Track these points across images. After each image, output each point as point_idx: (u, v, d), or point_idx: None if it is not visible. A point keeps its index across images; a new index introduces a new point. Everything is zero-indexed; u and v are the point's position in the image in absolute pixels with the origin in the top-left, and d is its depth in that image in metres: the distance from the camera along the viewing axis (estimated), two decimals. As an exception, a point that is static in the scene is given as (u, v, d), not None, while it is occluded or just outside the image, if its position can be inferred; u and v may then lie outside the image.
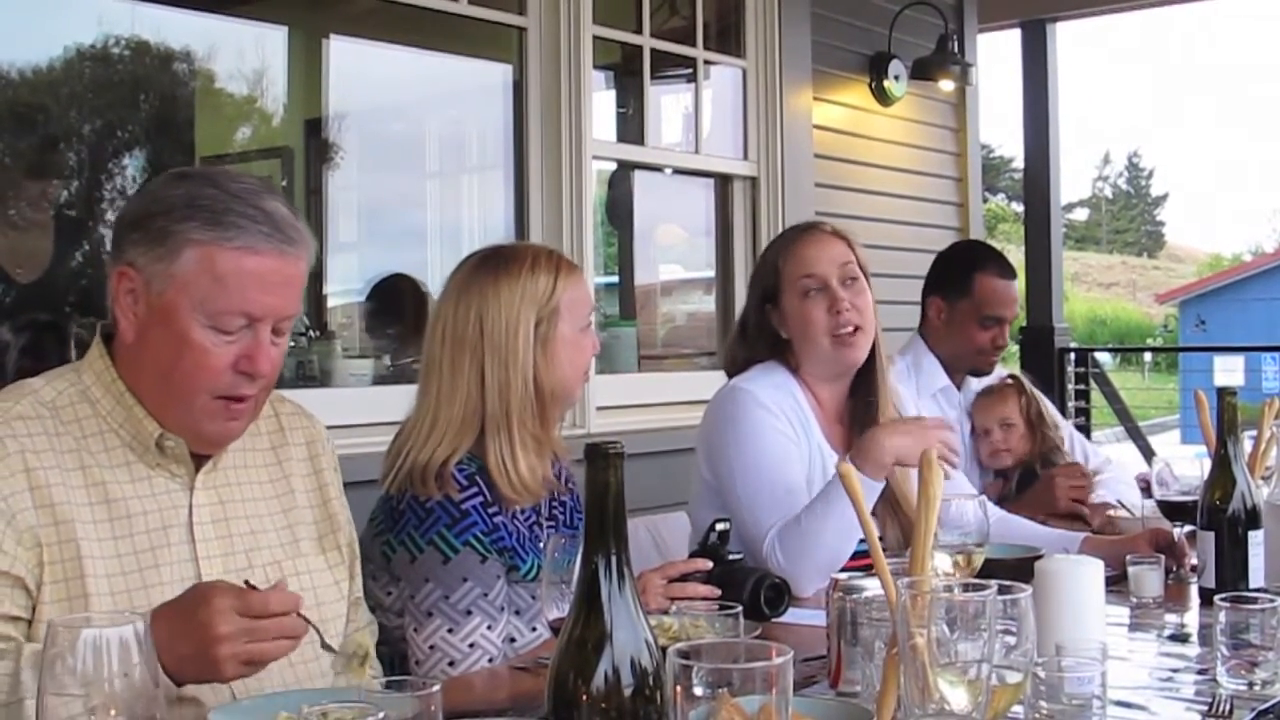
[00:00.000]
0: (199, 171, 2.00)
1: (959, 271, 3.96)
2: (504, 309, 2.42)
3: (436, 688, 1.49)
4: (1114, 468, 3.86)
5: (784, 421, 2.91)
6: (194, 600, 1.72)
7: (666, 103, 5.68)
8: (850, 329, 2.92)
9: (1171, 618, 2.52)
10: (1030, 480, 3.75)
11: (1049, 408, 3.90)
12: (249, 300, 1.90)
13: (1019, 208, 35.21)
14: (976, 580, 1.58)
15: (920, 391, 3.71)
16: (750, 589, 2.46)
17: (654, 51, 5.24)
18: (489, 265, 2.49)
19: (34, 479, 1.86)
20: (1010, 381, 3.91)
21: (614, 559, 1.29)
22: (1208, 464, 2.61)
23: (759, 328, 3.05)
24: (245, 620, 1.69)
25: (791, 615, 2.51)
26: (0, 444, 1.86)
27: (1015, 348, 7.53)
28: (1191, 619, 2.51)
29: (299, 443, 2.20)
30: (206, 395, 1.92)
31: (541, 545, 2.43)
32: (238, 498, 2.05)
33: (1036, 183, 7.89)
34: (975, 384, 3.98)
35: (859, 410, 3.03)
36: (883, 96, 6.21)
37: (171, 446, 1.96)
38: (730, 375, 3.10)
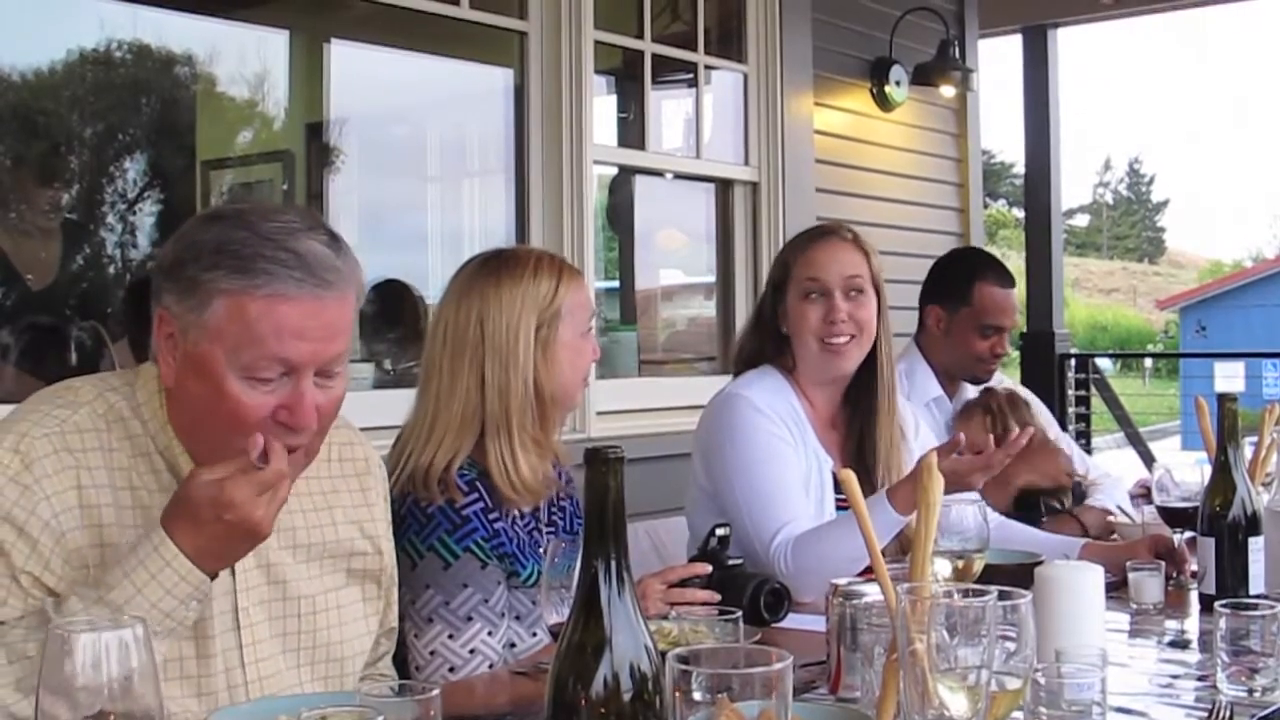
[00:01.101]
0: (233, 211, 1.93)
1: (959, 280, 3.93)
2: (505, 311, 2.42)
3: (436, 692, 1.49)
4: (1112, 481, 3.83)
5: (780, 426, 2.91)
6: (214, 506, 1.73)
7: (667, 107, 5.69)
8: (843, 339, 2.93)
9: (1171, 624, 2.52)
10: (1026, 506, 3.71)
11: (1038, 420, 3.84)
12: (284, 348, 1.80)
13: (1020, 213, 35.25)
14: (976, 586, 1.58)
15: (911, 398, 3.69)
16: (750, 594, 2.46)
17: (655, 56, 5.24)
18: (490, 268, 2.49)
19: (85, 497, 1.82)
20: (979, 396, 3.87)
21: (614, 564, 1.29)
22: (1208, 470, 2.61)
23: (769, 319, 3.06)
24: (266, 494, 1.75)
25: (791, 620, 2.51)
26: (57, 457, 1.82)
27: (1015, 354, 7.52)
28: (1192, 625, 2.51)
29: (349, 474, 2.14)
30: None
31: (542, 550, 2.43)
32: (276, 528, 1.94)
33: (1037, 188, 7.90)
34: (970, 393, 3.97)
35: (855, 418, 3.03)
36: (884, 102, 6.21)
37: None
38: (738, 367, 3.12)
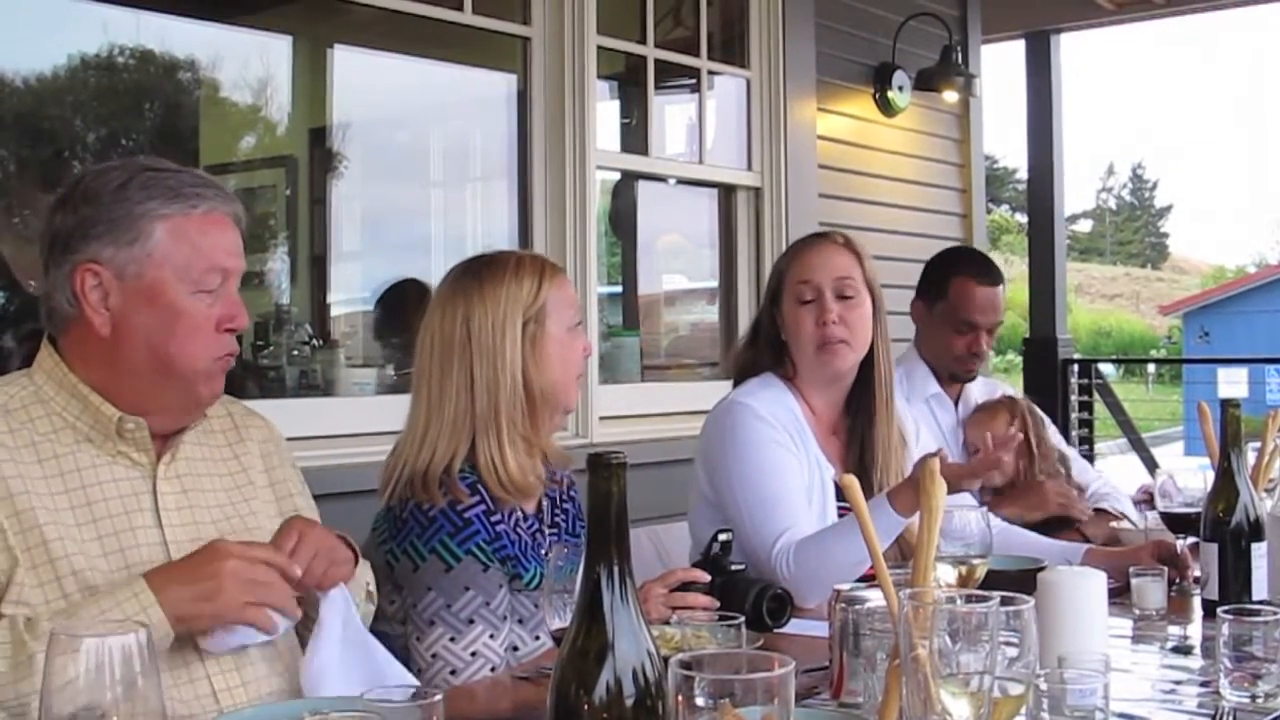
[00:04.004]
0: (121, 162, 2.10)
1: (937, 274, 3.92)
2: (490, 311, 2.44)
3: (439, 697, 1.49)
4: (1117, 493, 3.82)
5: (782, 434, 2.92)
6: (210, 587, 1.85)
7: (670, 113, 5.69)
8: (835, 341, 2.94)
9: (1174, 630, 2.51)
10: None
11: (1049, 431, 3.84)
12: (220, 258, 2.02)
13: (1023, 219, 35.25)
14: (979, 592, 1.58)
15: (911, 398, 3.68)
16: (752, 600, 2.46)
17: (658, 62, 5.25)
18: (473, 272, 2.51)
19: None
20: (1002, 399, 3.87)
21: (616, 569, 1.29)
22: (1211, 476, 2.61)
23: (766, 330, 3.07)
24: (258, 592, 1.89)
25: (794, 626, 2.51)
26: None
27: (1018, 359, 7.51)
28: (1194, 631, 2.51)
29: (255, 439, 2.25)
30: (204, 360, 2.01)
31: (544, 553, 2.44)
32: (199, 488, 2.09)
33: (1040, 194, 7.89)
34: (975, 396, 3.96)
35: (855, 424, 3.04)
36: (886, 107, 6.21)
37: (132, 429, 2.00)
38: (735, 377, 3.13)
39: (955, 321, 3.83)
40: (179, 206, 1.99)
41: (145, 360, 1.98)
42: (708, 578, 2.50)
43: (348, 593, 2.06)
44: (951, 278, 3.86)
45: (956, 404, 3.93)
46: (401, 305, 5.18)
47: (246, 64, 6.02)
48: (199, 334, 2.00)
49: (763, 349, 3.08)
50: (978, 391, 3.97)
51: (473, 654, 2.32)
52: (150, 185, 1.99)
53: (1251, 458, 2.75)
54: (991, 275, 3.91)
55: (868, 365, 3.01)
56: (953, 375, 3.91)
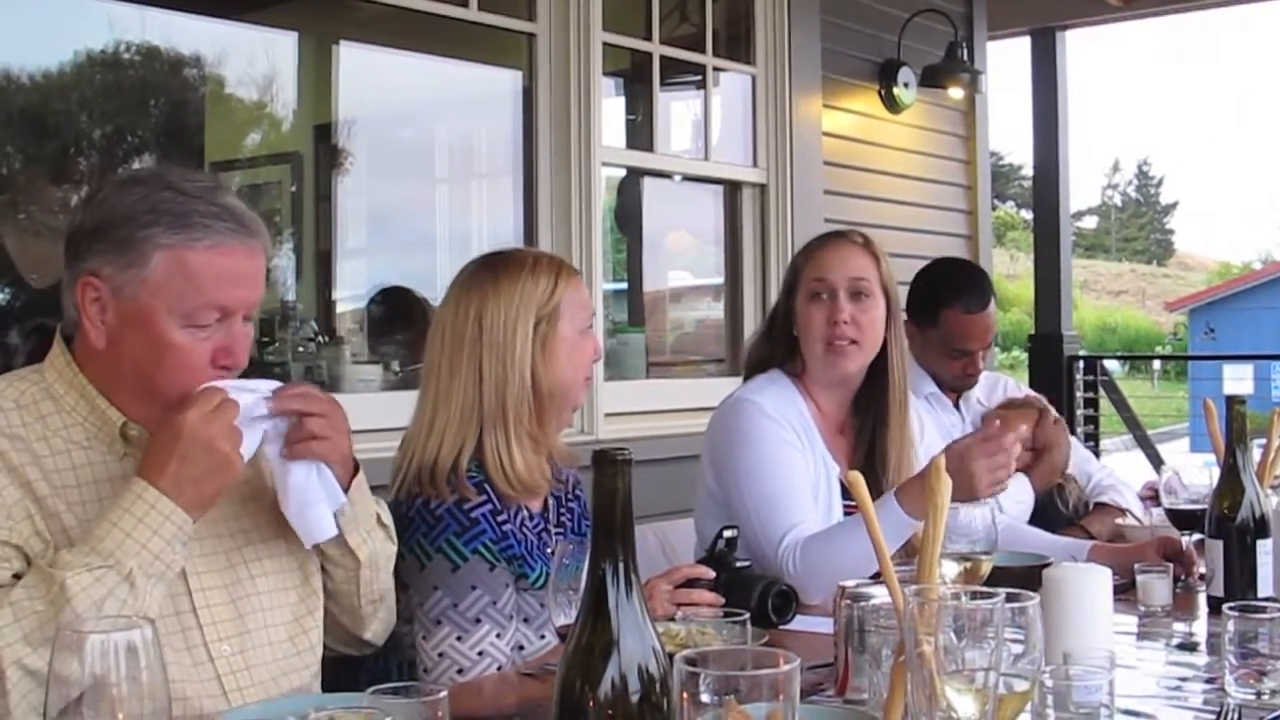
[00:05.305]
0: (149, 174, 2.04)
1: (928, 302, 3.86)
2: (503, 308, 2.44)
3: (444, 694, 1.50)
4: (1123, 485, 3.81)
5: (789, 431, 2.92)
6: (199, 445, 1.87)
7: (676, 109, 5.69)
8: (844, 341, 2.93)
9: (1180, 626, 2.51)
10: (1044, 507, 3.69)
11: (1065, 442, 3.83)
12: (222, 295, 1.95)
13: (1028, 215, 35.22)
14: (984, 588, 1.58)
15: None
16: (758, 596, 2.46)
17: (664, 58, 5.25)
18: (489, 267, 2.50)
19: (7, 459, 1.90)
20: (1036, 405, 3.84)
21: (621, 565, 1.29)
22: (1216, 472, 2.61)
23: (781, 324, 3.07)
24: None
25: (799, 622, 2.51)
26: None
27: (1024, 355, 7.50)
28: (1200, 628, 2.51)
29: None
30: (190, 392, 1.96)
31: (550, 551, 2.44)
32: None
33: (1046, 190, 7.89)
34: (978, 393, 3.96)
35: (865, 426, 3.03)
36: (892, 104, 6.21)
37: (136, 435, 1.99)
38: (747, 369, 3.13)
39: (948, 349, 3.82)
40: (181, 237, 1.92)
41: (134, 380, 1.97)
42: (713, 574, 2.50)
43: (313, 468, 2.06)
44: (941, 309, 3.80)
45: (957, 404, 3.92)
46: (390, 313, 5.18)
47: (252, 60, 6.01)
48: (186, 367, 1.95)
49: (776, 342, 3.08)
50: (980, 389, 3.97)
51: (480, 653, 2.33)
52: (160, 209, 1.93)
53: (1257, 454, 2.74)
54: (982, 298, 3.85)
55: (881, 367, 3.00)
56: (951, 388, 3.91)
